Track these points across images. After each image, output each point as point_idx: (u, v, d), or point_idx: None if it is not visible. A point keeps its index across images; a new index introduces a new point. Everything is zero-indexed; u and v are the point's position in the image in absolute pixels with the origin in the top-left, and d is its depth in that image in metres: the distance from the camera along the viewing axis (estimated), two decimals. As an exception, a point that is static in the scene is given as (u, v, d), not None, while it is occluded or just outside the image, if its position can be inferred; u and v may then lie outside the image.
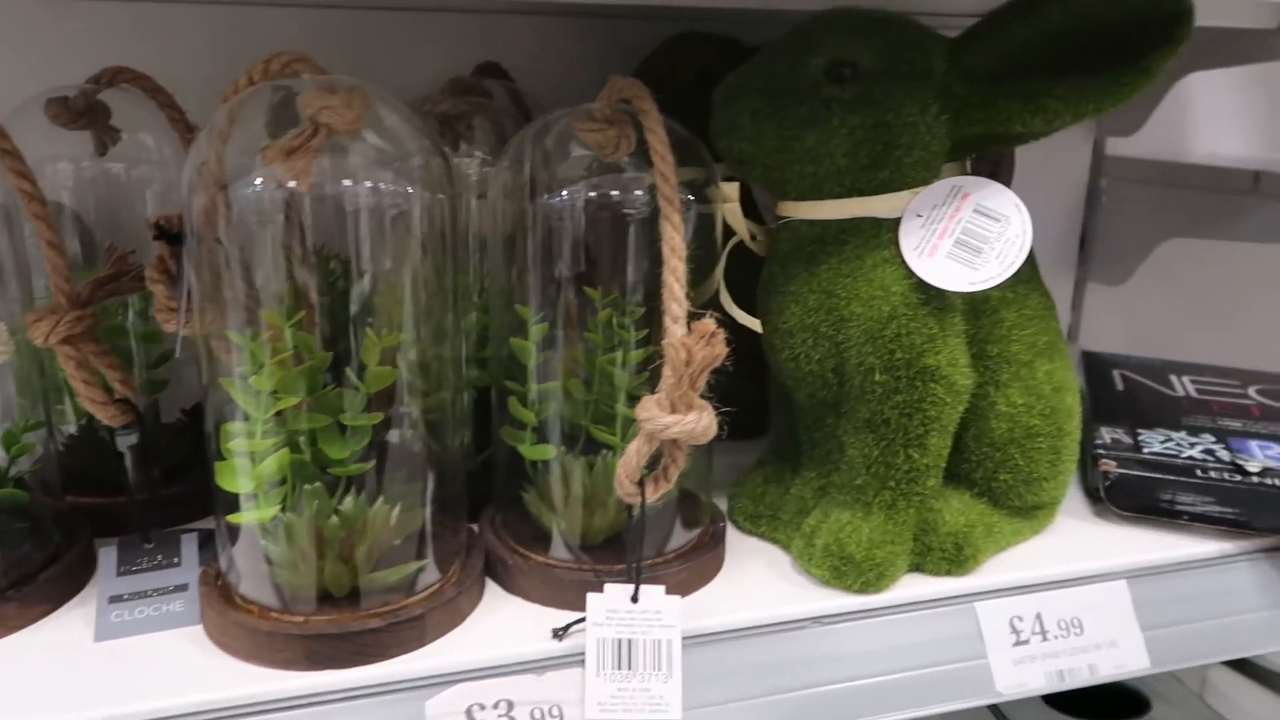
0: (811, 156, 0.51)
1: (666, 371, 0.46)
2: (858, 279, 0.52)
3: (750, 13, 0.72)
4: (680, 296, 0.47)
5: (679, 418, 0.47)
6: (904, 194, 0.53)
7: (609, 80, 0.51)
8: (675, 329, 0.47)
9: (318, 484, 0.49)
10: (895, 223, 0.52)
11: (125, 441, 0.56)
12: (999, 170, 0.70)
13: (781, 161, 0.52)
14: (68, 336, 0.49)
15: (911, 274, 0.51)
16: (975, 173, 0.71)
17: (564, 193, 0.52)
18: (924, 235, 0.52)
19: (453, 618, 0.50)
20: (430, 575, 0.51)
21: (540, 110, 0.77)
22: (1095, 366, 0.84)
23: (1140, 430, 0.69)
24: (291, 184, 0.44)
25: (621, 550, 0.55)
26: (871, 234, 0.53)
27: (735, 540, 0.60)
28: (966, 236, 0.52)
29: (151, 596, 0.51)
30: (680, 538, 0.56)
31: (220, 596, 0.49)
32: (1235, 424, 0.70)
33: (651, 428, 0.47)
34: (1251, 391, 0.78)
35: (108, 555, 0.53)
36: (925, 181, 0.53)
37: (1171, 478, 0.62)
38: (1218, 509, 0.60)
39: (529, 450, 0.55)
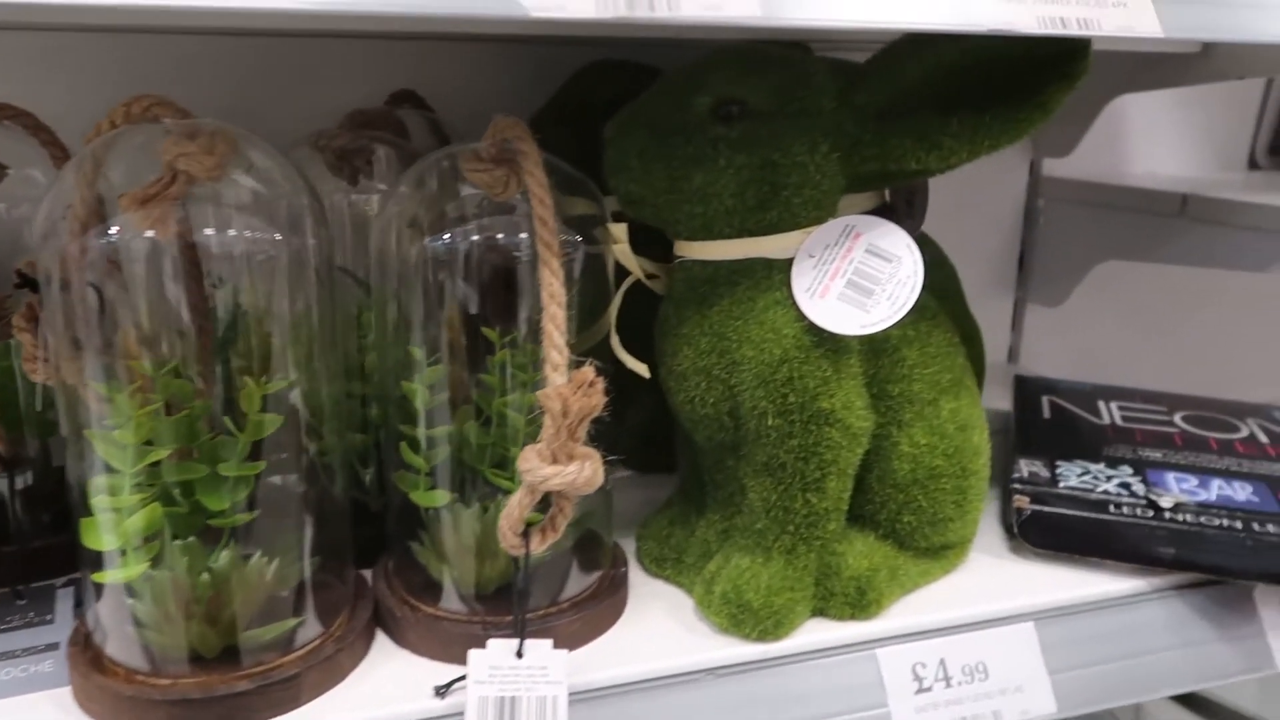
0: (699, 197, 0.50)
1: (547, 421, 0.45)
2: (749, 321, 0.51)
3: (672, 41, 0.71)
4: (560, 344, 0.46)
5: (559, 469, 0.45)
6: (796, 234, 0.51)
7: (493, 120, 0.49)
8: (555, 377, 0.46)
9: (191, 539, 0.48)
10: (788, 263, 0.51)
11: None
12: (914, 200, 0.69)
13: (670, 202, 0.51)
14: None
15: (804, 316, 0.50)
16: (892, 203, 0.71)
17: (451, 234, 0.50)
18: (816, 276, 0.51)
19: (332, 676, 0.48)
20: (311, 630, 0.49)
21: (460, 140, 0.76)
22: (1025, 393, 0.83)
23: (1059, 462, 0.68)
24: (150, 233, 0.43)
25: (549, 588, 0.54)
26: (763, 275, 0.51)
27: (641, 583, 0.59)
28: (858, 278, 0.51)
29: (20, 657, 0.49)
30: (577, 584, 0.55)
31: (87, 658, 0.47)
32: (1156, 454, 0.69)
33: (531, 479, 0.46)
34: (1177, 418, 0.77)
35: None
36: (818, 221, 0.52)
37: (1084, 514, 0.61)
38: (1129, 546, 0.59)
39: (420, 497, 0.53)
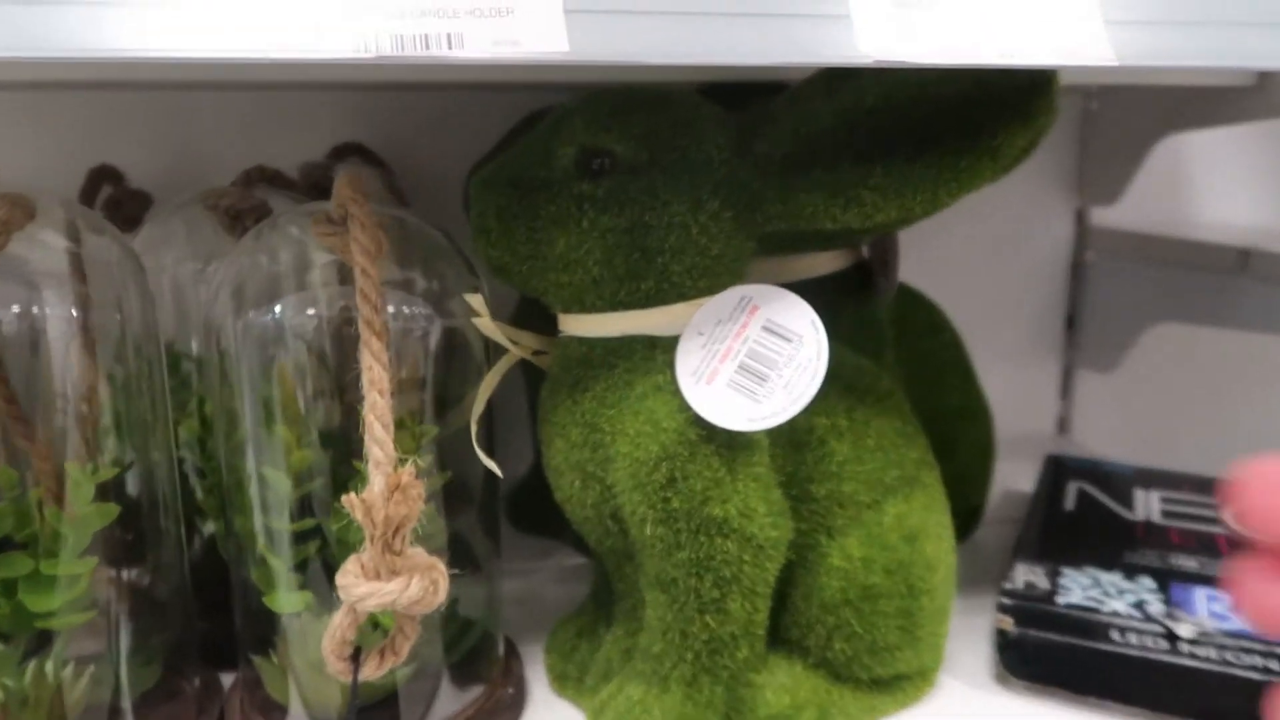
0: (563, 264, 0.42)
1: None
2: (623, 410, 0.43)
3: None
4: (381, 437, 0.39)
5: (377, 587, 0.38)
6: (681, 306, 0.43)
7: (338, 177, 0.43)
8: (374, 478, 0.39)
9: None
10: (674, 341, 0.43)
11: None
12: (888, 258, 0.60)
13: (534, 269, 0.43)
14: None
15: (688, 405, 0.42)
16: (870, 259, 0.62)
17: (298, 304, 0.44)
18: (704, 357, 0.42)
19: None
20: (131, 754, 0.44)
21: (412, 195, 0.71)
22: (1052, 477, 0.72)
23: (1065, 569, 0.57)
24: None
25: (409, 712, 0.46)
26: (644, 355, 0.43)
27: (544, 701, 0.51)
28: (751, 360, 0.42)
29: None
30: (451, 703, 0.47)
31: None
32: (1189, 563, 0.57)
33: (346, 597, 0.39)
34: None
35: None
36: (709, 291, 0.43)
37: (1080, 642, 0.50)
38: (1131, 687, 0.48)
39: (273, 600, 0.47)
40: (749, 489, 0.42)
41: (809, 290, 0.59)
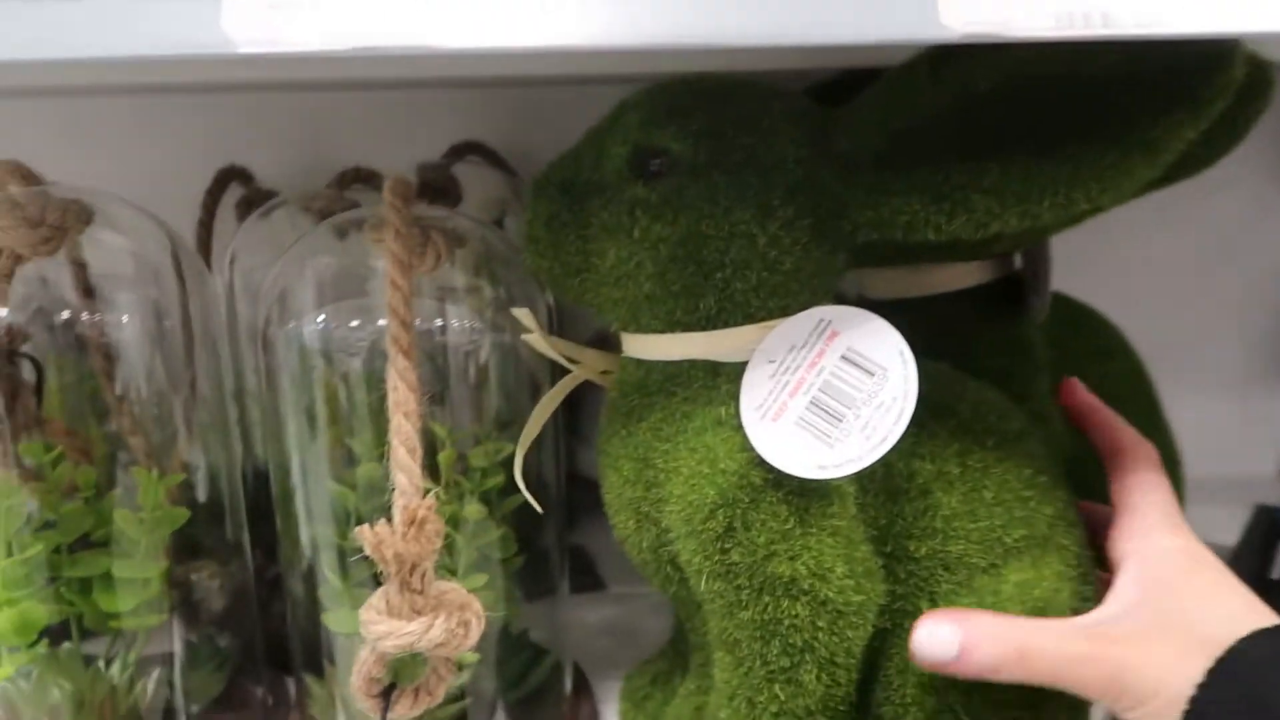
0: (615, 278, 0.38)
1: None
2: (679, 445, 0.37)
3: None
4: (406, 464, 0.35)
5: (397, 626, 0.35)
6: (749, 329, 0.37)
7: (387, 181, 0.40)
8: (398, 508, 0.35)
9: (66, 646, 0.43)
10: (740, 368, 0.37)
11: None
12: (1039, 269, 0.51)
13: (586, 284, 0.39)
14: None
15: (751, 443, 0.36)
16: (1022, 272, 0.53)
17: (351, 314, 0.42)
18: (773, 389, 0.36)
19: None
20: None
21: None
22: (1261, 533, 0.60)
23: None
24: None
25: None
26: (704, 384, 0.38)
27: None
28: (826, 395, 0.35)
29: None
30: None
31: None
32: None
33: (366, 635, 0.36)
34: None
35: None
36: (783, 312, 0.37)
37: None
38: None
39: (331, 619, 0.45)
40: (823, 544, 0.36)
41: (945, 305, 0.52)
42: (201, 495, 0.47)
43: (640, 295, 0.37)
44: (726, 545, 0.35)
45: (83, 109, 0.66)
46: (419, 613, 0.35)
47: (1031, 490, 0.40)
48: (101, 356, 0.43)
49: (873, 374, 0.35)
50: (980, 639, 0.34)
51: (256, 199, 0.64)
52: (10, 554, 0.42)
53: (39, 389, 0.45)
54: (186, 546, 0.47)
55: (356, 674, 0.37)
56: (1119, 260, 0.74)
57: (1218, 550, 0.59)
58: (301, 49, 0.27)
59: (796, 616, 0.35)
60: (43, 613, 0.42)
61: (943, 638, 0.34)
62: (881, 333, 0.36)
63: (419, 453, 0.35)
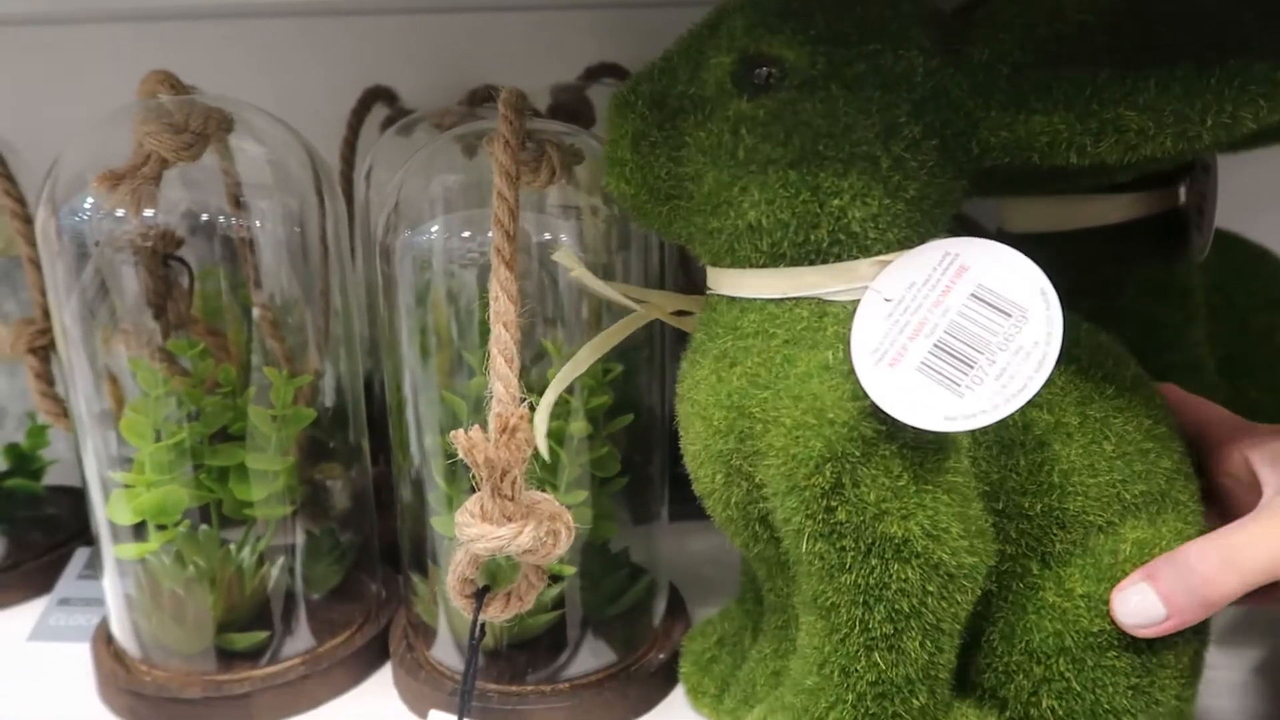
0: (713, 206, 0.34)
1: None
2: (781, 393, 0.33)
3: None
4: (504, 373, 0.35)
5: (488, 530, 0.35)
6: (864, 264, 0.33)
7: (502, 93, 0.40)
8: (492, 415, 0.36)
9: (204, 528, 0.46)
10: (849, 309, 0.34)
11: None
12: (1204, 206, 0.46)
13: (678, 211, 0.35)
14: (31, 347, 0.51)
15: (864, 391, 0.32)
16: (1185, 207, 0.48)
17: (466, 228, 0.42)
18: (890, 330, 0.32)
19: (292, 703, 0.43)
20: (300, 644, 0.46)
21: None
22: None
23: None
24: (120, 212, 0.41)
25: (546, 657, 0.45)
26: (810, 324, 0.34)
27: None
28: (953, 338, 0.32)
29: (95, 605, 0.52)
30: (597, 657, 0.44)
31: (104, 627, 0.48)
32: None
33: (460, 536, 0.37)
34: None
35: (80, 556, 0.55)
36: (902, 244, 0.33)
37: None
38: None
39: (438, 522, 0.46)
40: (939, 502, 0.32)
41: (1094, 242, 0.48)
42: (329, 400, 0.49)
43: (742, 225, 0.34)
44: (833, 503, 0.32)
45: (237, 30, 0.69)
46: (510, 519, 0.35)
47: (1151, 442, 0.36)
48: (243, 261, 0.45)
49: (1009, 315, 0.32)
50: (1175, 583, 0.33)
51: (400, 119, 0.65)
52: (159, 440, 0.45)
53: (190, 290, 0.48)
54: (315, 447, 0.49)
55: (451, 574, 0.38)
56: None
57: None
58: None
59: (906, 580, 0.32)
60: (185, 496, 0.45)
61: (1139, 603, 0.33)
62: (1019, 268, 0.32)
63: (516, 362, 0.35)
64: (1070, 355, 0.34)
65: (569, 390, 0.45)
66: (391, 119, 0.67)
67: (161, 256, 0.46)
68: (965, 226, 0.53)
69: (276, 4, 0.64)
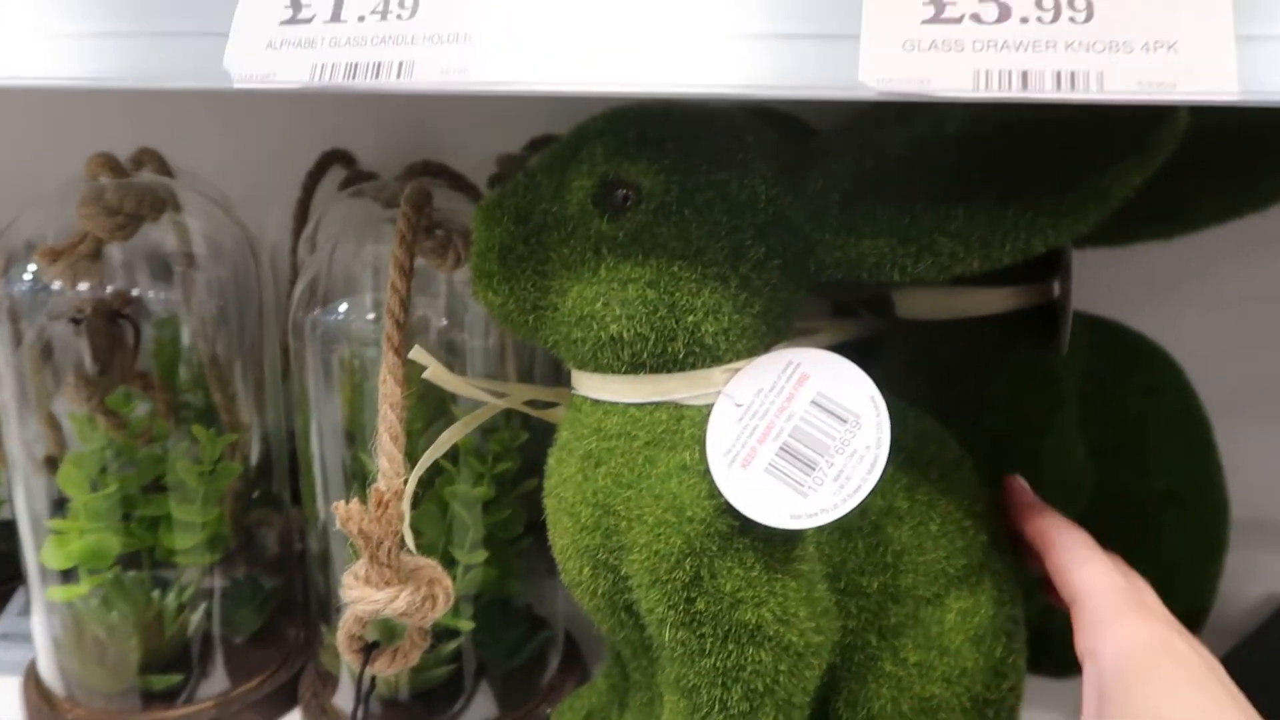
0: (576, 318, 0.36)
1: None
2: (643, 492, 0.35)
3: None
4: (389, 451, 0.39)
5: (367, 593, 0.39)
6: (716, 372, 0.36)
7: (405, 190, 0.43)
8: (373, 488, 0.39)
9: (132, 574, 0.49)
10: (704, 412, 0.36)
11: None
12: (1064, 296, 0.49)
13: (543, 321, 0.37)
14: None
15: (719, 491, 0.35)
16: (1060, 298, 0.51)
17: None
18: (741, 434, 0.35)
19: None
20: (215, 687, 0.49)
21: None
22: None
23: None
24: (57, 284, 0.45)
25: (441, 706, 0.48)
26: (668, 427, 0.36)
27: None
28: (797, 441, 0.35)
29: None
30: (492, 707, 0.47)
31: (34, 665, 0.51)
32: None
33: (345, 598, 0.40)
34: None
35: (22, 594, 0.58)
36: (749, 353, 0.36)
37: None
38: None
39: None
40: (788, 589, 0.35)
41: (976, 330, 0.51)
42: (256, 453, 0.52)
43: (604, 337, 0.36)
44: (692, 594, 0.34)
45: (206, 96, 0.73)
46: (388, 584, 0.38)
47: (970, 519, 0.40)
48: (181, 323, 0.49)
49: (845, 420, 0.35)
50: None
51: (356, 180, 0.69)
52: (94, 490, 0.48)
53: (135, 347, 0.51)
54: (243, 497, 0.53)
55: (340, 630, 0.41)
56: (1198, 293, 0.69)
57: (1273, 599, 0.56)
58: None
59: (760, 662, 0.35)
60: (116, 543, 0.48)
61: None
62: (852, 378, 0.35)
63: (401, 441, 0.39)
64: (899, 443, 0.36)
65: (477, 456, 0.48)
66: (349, 181, 0.70)
67: (110, 313, 0.50)
68: (864, 302, 0.56)
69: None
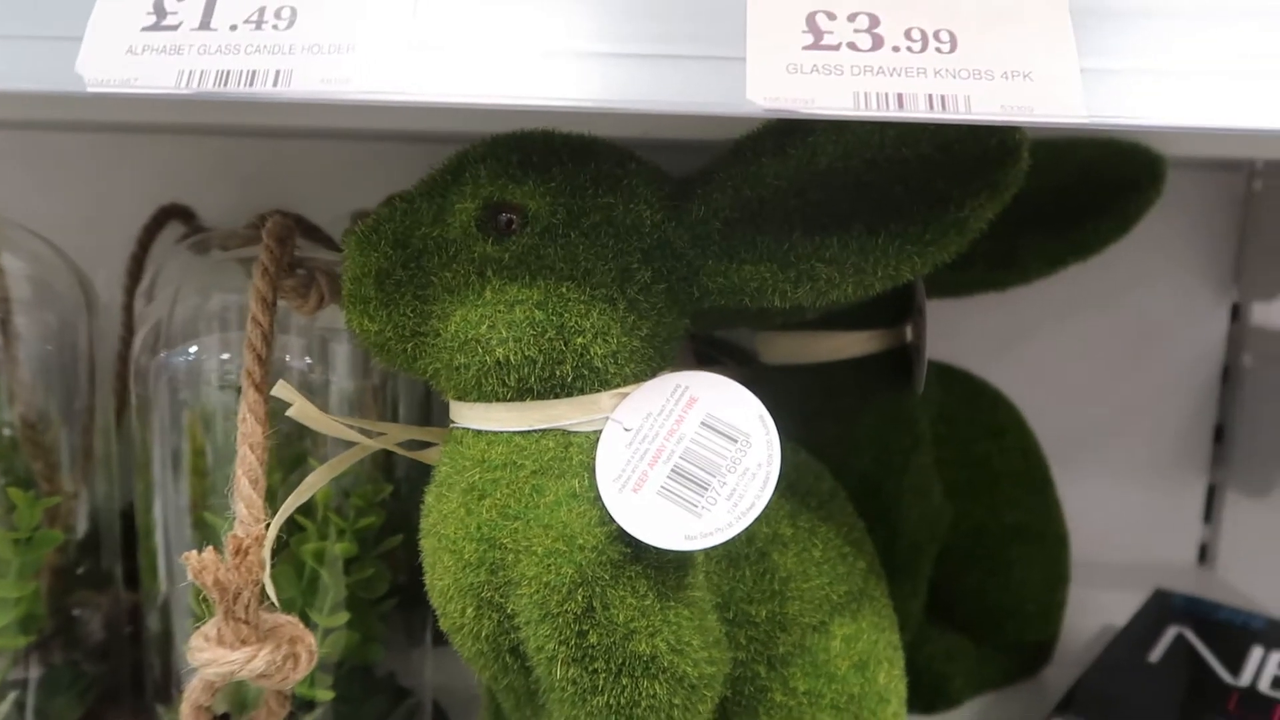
0: (460, 343, 0.35)
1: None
2: (531, 523, 0.34)
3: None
4: (248, 495, 0.36)
5: (221, 654, 0.35)
6: (604, 396, 0.36)
7: (268, 222, 0.42)
8: (229, 535, 0.36)
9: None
10: (593, 438, 0.36)
11: None
12: (919, 340, 0.52)
13: (423, 348, 0.36)
14: None
15: (610, 516, 0.34)
16: (914, 341, 0.54)
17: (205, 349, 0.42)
18: (631, 458, 0.35)
19: None
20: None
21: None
22: (1151, 617, 0.60)
23: (1113, 738, 0.46)
24: None
25: None
26: (556, 454, 0.36)
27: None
28: (688, 463, 0.35)
29: None
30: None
31: None
32: (1286, 753, 0.45)
33: (194, 661, 0.36)
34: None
35: None
36: (637, 378, 0.37)
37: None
38: None
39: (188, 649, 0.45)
40: (681, 618, 0.34)
41: (837, 373, 0.53)
42: (83, 525, 0.47)
43: (490, 361, 0.35)
44: (584, 627, 0.33)
45: (34, 142, 0.68)
46: (245, 642, 0.35)
47: (849, 546, 0.41)
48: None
49: (735, 440, 0.35)
50: None
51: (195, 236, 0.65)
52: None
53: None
54: (66, 574, 0.47)
55: (186, 702, 0.37)
56: (1054, 343, 0.75)
57: (1108, 631, 0.60)
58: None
59: (655, 696, 0.34)
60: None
61: None
62: (740, 398, 0.36)
63: (262, 484, 0.36)
64: (780, 472, 0.37)
65: (337, 510, 0.45)
66: (187, 236, 0.67)
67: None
68: (727, 352, 0.58)
69: (77, 121, 0.64)
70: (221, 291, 0.45)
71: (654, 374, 0.37)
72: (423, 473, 0.46)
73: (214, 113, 0.63)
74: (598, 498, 0.34)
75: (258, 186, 0.73)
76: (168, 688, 0.44)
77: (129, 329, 0.58)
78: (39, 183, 0.68)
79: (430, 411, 0.51)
